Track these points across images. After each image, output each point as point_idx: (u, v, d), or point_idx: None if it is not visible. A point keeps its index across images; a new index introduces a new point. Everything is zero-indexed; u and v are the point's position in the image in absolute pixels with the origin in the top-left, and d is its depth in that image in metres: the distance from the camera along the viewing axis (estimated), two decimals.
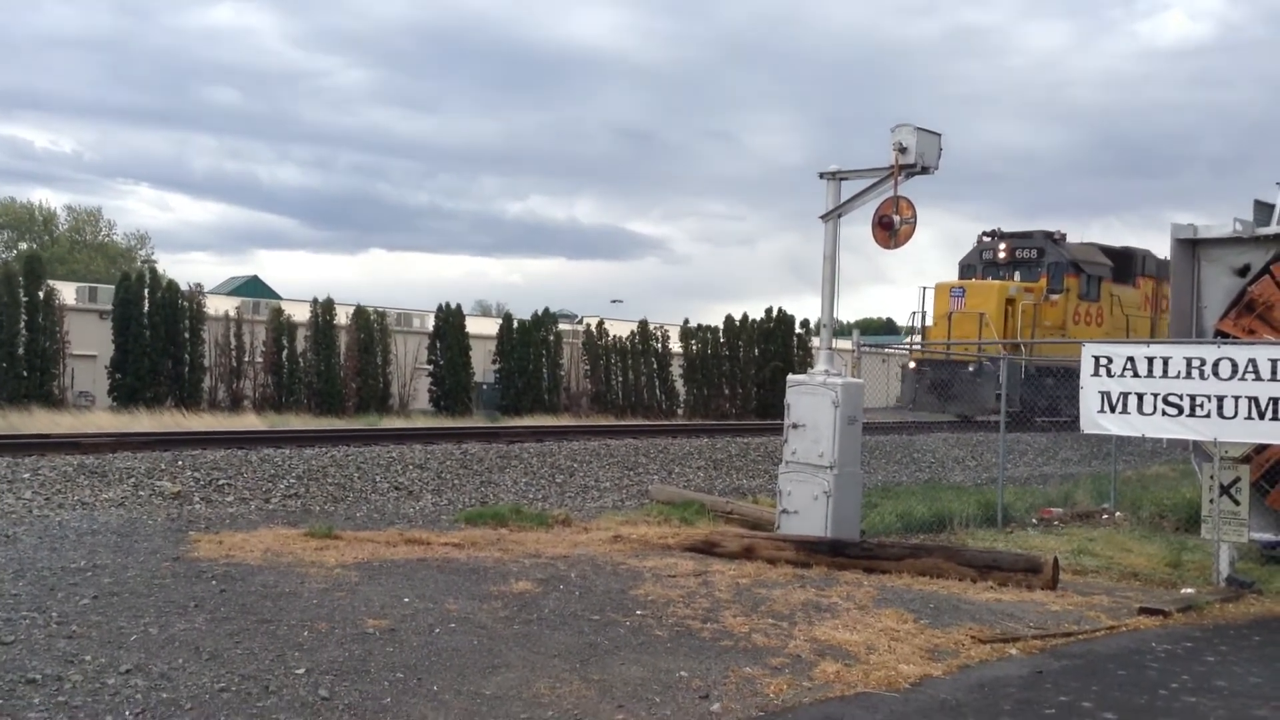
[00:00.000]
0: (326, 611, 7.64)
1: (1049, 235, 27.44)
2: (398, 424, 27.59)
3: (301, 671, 6.31)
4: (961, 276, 28.21)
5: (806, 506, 11.72)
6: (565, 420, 31.41)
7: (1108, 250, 28.93)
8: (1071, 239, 30.47)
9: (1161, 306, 29.22)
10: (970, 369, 24.71)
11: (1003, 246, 27.58)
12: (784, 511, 11.95)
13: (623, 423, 29.10)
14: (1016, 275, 27.39)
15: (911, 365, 27.11)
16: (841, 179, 12.62)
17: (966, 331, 25.48)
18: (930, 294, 27.22)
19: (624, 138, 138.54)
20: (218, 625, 7.15)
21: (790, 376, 12.43)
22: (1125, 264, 29.36)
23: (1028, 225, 30.77)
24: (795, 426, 11.97)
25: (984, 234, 28.90)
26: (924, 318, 27.35)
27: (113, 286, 35.96)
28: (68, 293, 37.83)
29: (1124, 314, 28.44)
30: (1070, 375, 24.93)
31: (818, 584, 9.54)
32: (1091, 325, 27.22)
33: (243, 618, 7.37)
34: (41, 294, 33.12)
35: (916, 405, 26.37)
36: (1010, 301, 25.81)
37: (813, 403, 11.87)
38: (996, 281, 27.09)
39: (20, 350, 32.37)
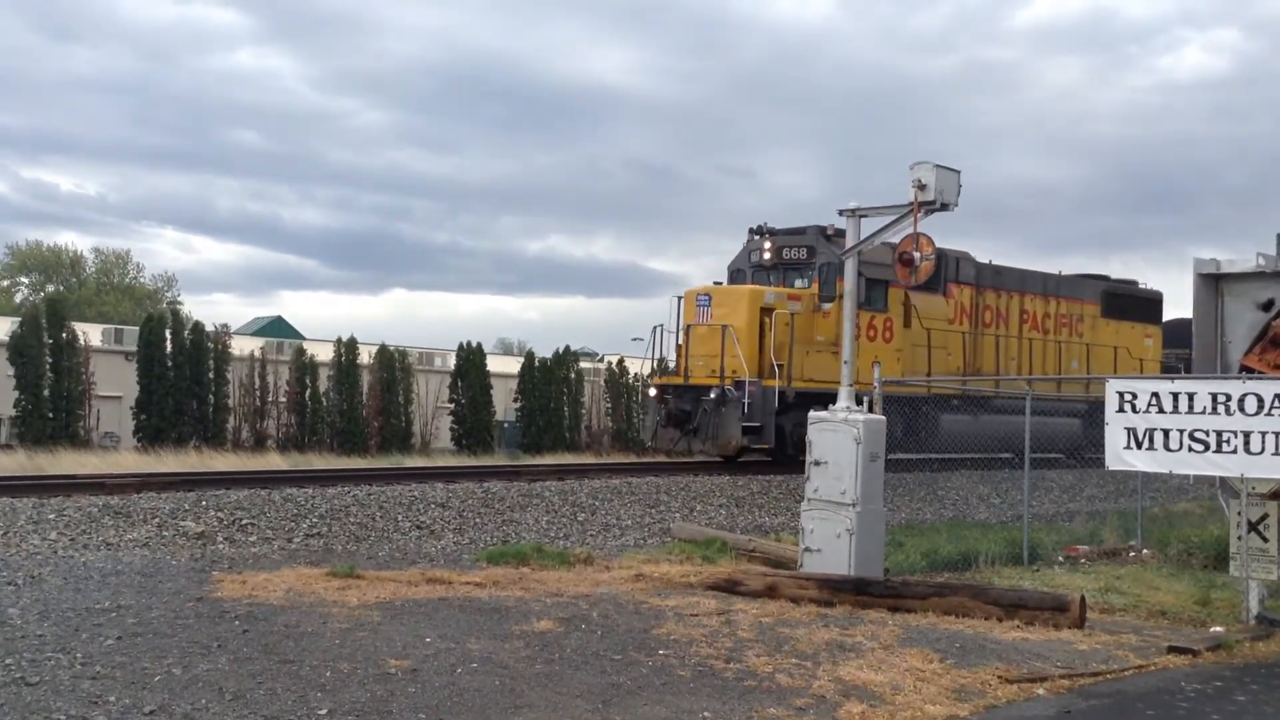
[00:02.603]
0: (349, 651, 7.64)
1: (822, 231, 21.80)
2: (420, 463, 27.64)
3: (324, 712, 6.30)
4: (731, 283, 22.73)
5: (829, 544, 11.66)
6: (587, 458, 31.37)
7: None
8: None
9: (984, 320, 24.74)
10: (712, 395, 19.88)
11: (767, 246, 22.08)
12: (807, 549, 11.89)
13: (644, 460, 29.05)
14: (799, 281, 22.15)
15: (651, 391, 21.82)
16: (861, 216, 12.69)
17: (709, 350, 20.57)
18: (681, 304, 21.85)
19: (642, 175, 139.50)
20: (241, 665, 7.16)
21: (812, 413, 12.43)
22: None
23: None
24: (817, 464, 11.94)
25: (752, 230, 22.90)
26: (656, 334, 21.82)
27: (138, 328, 36.35)
28: (93, 334, 38.24)
29: (924, 327, 23.08)
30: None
31: (842, 623, 9.47)
32: (876, 340, 22.07)
33: (265, 658, 7.37)
34: (66, 336, 33.49)
35: (657, 441, 21.65)
36: (767, 311, 20.69)
37: (834, 439, 11.84)
38: (748, 286, 21.68)
39: (46, 392, 32.70)
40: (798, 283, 21.90)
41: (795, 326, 20.42)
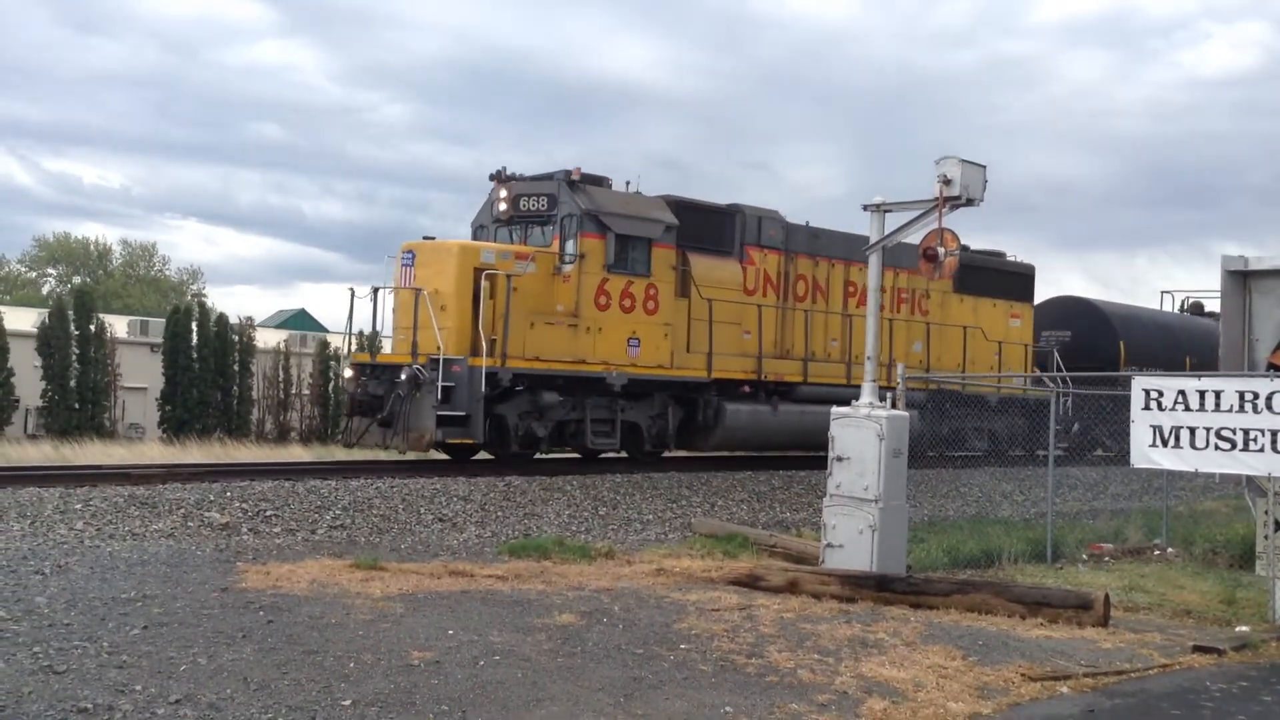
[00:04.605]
0: (372, 643, 7.68)
1: (567, 176, 17.91)
2: (442, 455, 27.64)
3: (348, 703, 6.34)
4: (474, 240, 18.70)
5: (851, 540, 11.63)
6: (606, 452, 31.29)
7: (681, 204, 19.13)
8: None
9: (796, 292, 20.71)
10: (403, 376, 16.03)
11: (503, 195, 18.21)
12: (828, 545, 11.87)
13: (665, 454, 29.03)
14: (544, 239, 18.15)
15: (348, 372, 17.84)
16: (886, 211, 12.66)
17: (410, 320, 16.56)
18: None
19: (662, 169, 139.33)
20: (265, 656, 7.21)
21: (834, 409, 12.37)
22: (713, 226, 19.63)
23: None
24: (839, 459, 11.91)
25: (491, 177, 18.81)
26: (354, 299, 17.71)
27: (163, 320, 36.63)
28: (119, 326, 38.57)
29: (705, 298, 18.84)
30: (587, 386, 17.33)
31: (864, 619, 9.45)
32: (635, 311, 18.02)
33: (289, 648, 7.42)
34: (93, 327, 33.79)
35: (352, 435, 17.34)
36: (483, 272, 16.63)
37: (857, 435, 11.81)
38: (457, 241, 17.71)
39: (72, 383, 33.01)
40: (557, 241, 17.98)
41: (524, 293, 16.75)
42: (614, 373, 17.59)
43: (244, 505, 12.94)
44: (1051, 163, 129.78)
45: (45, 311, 36.37)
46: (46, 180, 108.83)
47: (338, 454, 27.66)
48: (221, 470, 16.60)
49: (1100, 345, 25.87)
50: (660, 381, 18.36)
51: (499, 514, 14.25)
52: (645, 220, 18.26)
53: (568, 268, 17.57)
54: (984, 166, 12.05)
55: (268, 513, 12.83)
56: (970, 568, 12.92)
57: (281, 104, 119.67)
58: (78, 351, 33.33)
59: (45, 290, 72.86)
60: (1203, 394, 10.49)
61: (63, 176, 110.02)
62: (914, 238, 12.80)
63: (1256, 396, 10.15)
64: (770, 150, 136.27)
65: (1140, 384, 11.05)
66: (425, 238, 17.91)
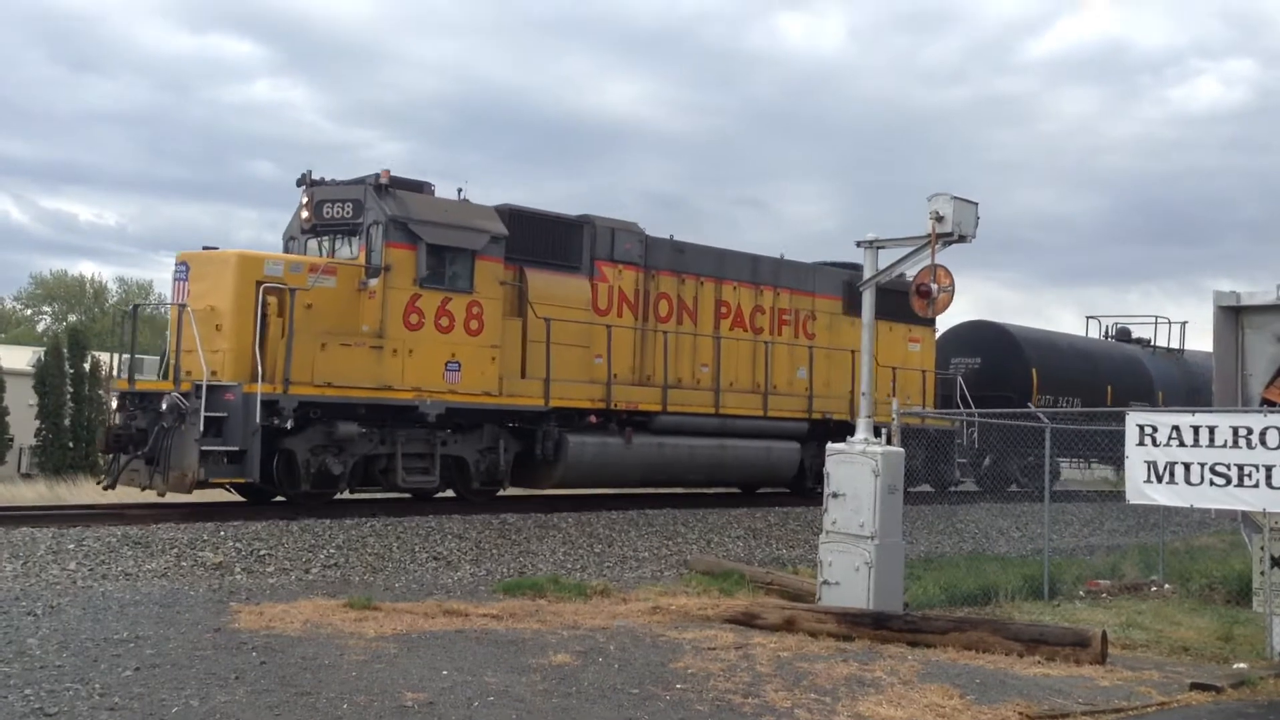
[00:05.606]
0: (365, 684, 7.63)
1: (376, 179, 15.78)
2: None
3: None
4: (287, 253, 16.60)
5: (848, 577, 11.60)
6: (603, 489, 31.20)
7: (517, 214, 17.24)
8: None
9: (659, 311, 18.87)
10: (164, 406, 14.06)
11: (305, 201, 16.26)
12: (825, 583, 11.83)
13: (661, 491, 28.98)
14: (349, 250, 16.09)
15: (113, 403, 15.83)
16: (879, 248, 12.74)
17: (185, 343, 14.59)
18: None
19: (657, 206, 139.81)
20: (258, 697, 7.16)
21: (830, 445, 12.39)
22: (556, 239, 17.74)
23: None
24: (835, 496, 11.90)
25: (297, 182, 16.63)
26: (122, 320, 16.38)
27: (158, 358, 36.65)
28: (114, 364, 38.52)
29: (541, 317, 16.85)
30: (397, 416, 15.44)
31: (860, 658, 9.41)
32: (454, 330, 15.85)
33: (283, 690, 7.37)
34: (87, 366, 33.78)
35: (114, 475, 14.87)
36: (267, 287, 14.63)
37: (852, 472, 11.81)
38: (235, 251, 15.56)
39: (66, 421, 32.96)
40: (364, 253, 15.73)
41: (319, 310, 14.87)
42: (428, 401, 15.49)
43: (237, 544, 12.88)
44: (1043, 198, 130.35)
45: (40, 350, 36.37)
46: (42, 218, 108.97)
47: None
48: (215, 509, 16.51)
49: (1011, 372, 24.71)
50: (488, 410, 16.38)
51: (494, 552, 14.20)
52: (465, 230, 16.06)
53: (373, 282, 15.42)
54: (976, 203, 12.14)
55: (261, 552, 12.77)
56: (967, 605, 12.88)
57: (277, 141, 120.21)
58: (72, 390, 33.29)
59: (40, 328, 72.87)
60: (1196, 429, 10.52)
61: (58, 214, 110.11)
62: (912, 271, 12.83)
63: (1250, 432, 10.18)
64: (764, 187, 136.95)
65: (1134, 419, 11.08)
66: (205, 247, 15.62)
